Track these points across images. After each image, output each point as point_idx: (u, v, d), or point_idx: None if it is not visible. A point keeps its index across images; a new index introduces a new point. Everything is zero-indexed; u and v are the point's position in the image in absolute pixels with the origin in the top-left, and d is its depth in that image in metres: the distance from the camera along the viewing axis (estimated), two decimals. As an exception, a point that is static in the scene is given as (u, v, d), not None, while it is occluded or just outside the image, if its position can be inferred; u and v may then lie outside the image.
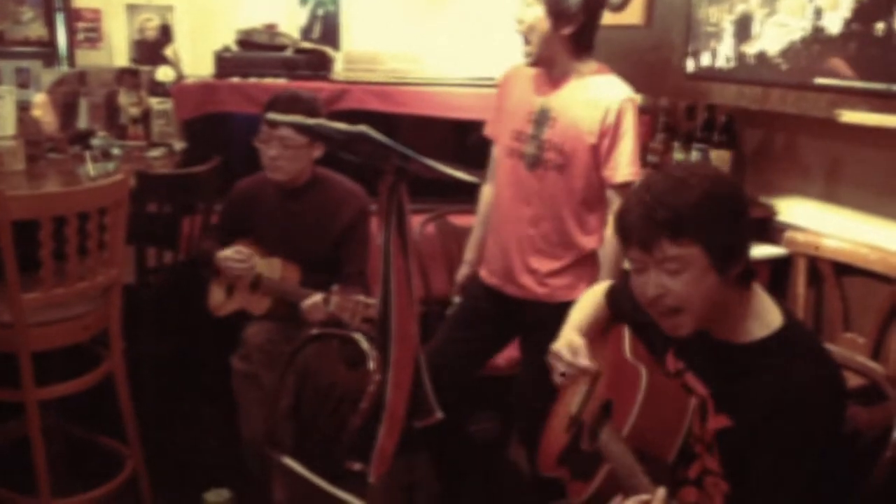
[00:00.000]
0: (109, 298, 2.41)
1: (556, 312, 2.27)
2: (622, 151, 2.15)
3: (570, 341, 1.70)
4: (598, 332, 1.79)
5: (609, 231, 2.21)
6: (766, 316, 1.43)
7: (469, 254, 2.54)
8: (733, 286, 1.41)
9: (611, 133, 2.13)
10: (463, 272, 2.54)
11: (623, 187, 2.17)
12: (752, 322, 1.43)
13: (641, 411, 1.48)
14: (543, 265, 2.26)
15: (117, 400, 2.46)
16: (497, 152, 2.37)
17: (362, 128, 1.56)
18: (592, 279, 2.24)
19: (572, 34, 2.13)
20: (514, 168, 2.25)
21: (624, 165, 2.15)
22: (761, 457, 1.35)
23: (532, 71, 2.25)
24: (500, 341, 2.45)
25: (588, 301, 1.83)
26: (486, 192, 2.47)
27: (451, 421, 2.11)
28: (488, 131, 2.41)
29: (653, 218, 1.35)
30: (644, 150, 3.03)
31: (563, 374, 1.69)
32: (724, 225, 1.37)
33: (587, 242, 2.26)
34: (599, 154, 2.15)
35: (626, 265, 1.53)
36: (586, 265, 2.27)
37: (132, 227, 2.52)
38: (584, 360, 1.65)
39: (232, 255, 2.55)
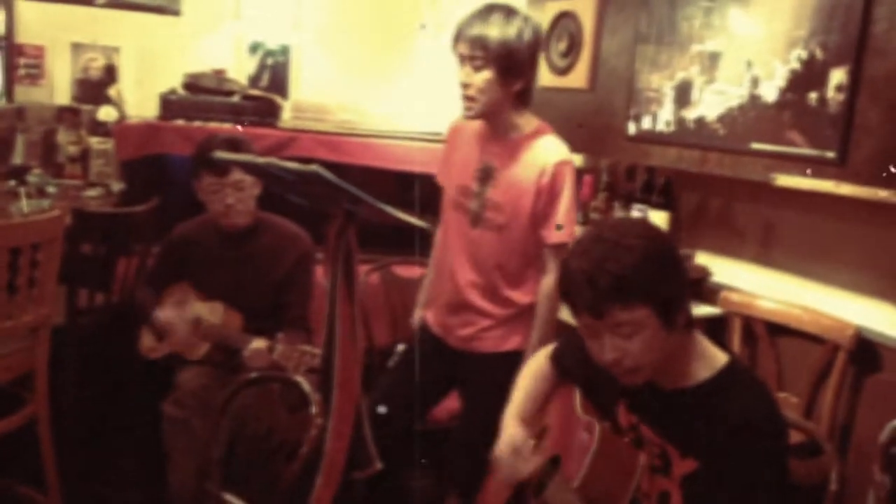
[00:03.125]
0: (37, 339, 2.31)
1: (490, 363, 2.27)
2: (557, 212, 2.16)
3: (511, 440, 1.66)
4: (544, 401, 1.78)
5: (545, 287, 2.21)
6: (710, 357, 1.47)
7: (421, 298, 2.51)
8: (679, 334, 1.43)
9: (546, 193, 2.14)
10: (418, 314, 2.49)
11: (558, 248, 2.18)
12: (697, 365, 1.46)
13: (592, 467, 1.47)
14: (477, 320, 2.26)
15: (38, 446, 2.34)
16: (444, 202, 2.38)
17: (315, 167, 1.55)
18: (526, 331, 2.25)
19: (520, 89, 2.15)
20: (459, 222, 2.26)
21: (559, 226, 2.17)
22: (728, 491, 1.36)
23: (476, 124, 2.25)
24: (443, 389, 2.42)
25: (531, 372, 1.81)
26: (439, 237, 2.45)
27: (390, 474, 2.08)
28: (438, 179, 2.41)
29: (597, 286, 1.36)
30: (586, 208, 3.10)
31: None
32: (665, 280, 1.39)
33: (521, 299, 2.26)
34: (536, 214, 2.16)
35: (570, 320, 1.54)
36: (520, 319, 2.27)
37: (65, 267, 2.44)
38: (526, 466, 1.62)
39: (175, 320, 2.49)
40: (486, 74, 2.08)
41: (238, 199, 2.49)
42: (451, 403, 2.53)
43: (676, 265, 1.43)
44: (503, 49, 2.05)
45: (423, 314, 2.44)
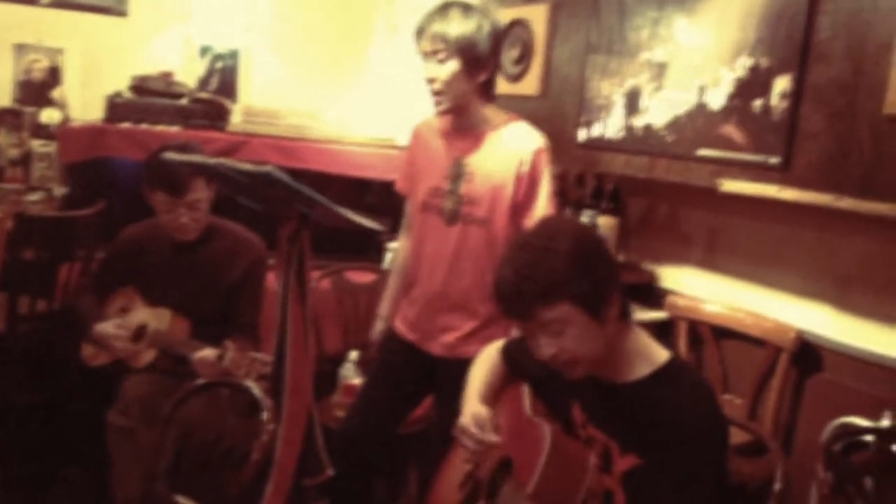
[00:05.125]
0: (-25, 346, 2.24)
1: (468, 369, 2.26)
2: (537, 200, 2.16)
3: (475, 414, 1.67)
4: (497, 393, 1.78)
5: None
6: (650, 353, 1.49)
7: (384, 308, 2.45)
8: (615, 325, 1.46)
9: (525, 182, 2.14)
10: (378, 328, 2.45)
11: None
12: (637, 360, 1.48)
13: (546, 470, 1.47)
14: (462, 323, 2.22)
15: (-24, 457, 2.27)
16: (412, 208, 2.34)
17: (268, 168, 1.53)
18: (507, 333, 2.15)
19: (484, 81, 2.16)
20: (432, 223, 2.22)
21: (539, 214, 2.15)
22: (665, 487, 1.38)
23: (439, 124, 2.25)
24: (418, 397, 2.38)
25: (484, 362, 1.81)
26: (402, 245, 2.43)
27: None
28: (399, 186, 2.38)
29: (522, 293, 1.42)
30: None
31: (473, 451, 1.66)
32: (588, 276, 1.42)
33: None
34: (516, 203, 2.16)
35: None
36: (501, 321, 2.18)
37: (6, 273, 2.37)
38: (492, 436, 1.63)
39: (113, 331, 2.42)
40: (451, 67, 2.09)
41: (192, 218, 2.44)
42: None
43: (600, 260, 1.46)
44: (465, 41, 2.07)
45: (392, 322, 2.37)
